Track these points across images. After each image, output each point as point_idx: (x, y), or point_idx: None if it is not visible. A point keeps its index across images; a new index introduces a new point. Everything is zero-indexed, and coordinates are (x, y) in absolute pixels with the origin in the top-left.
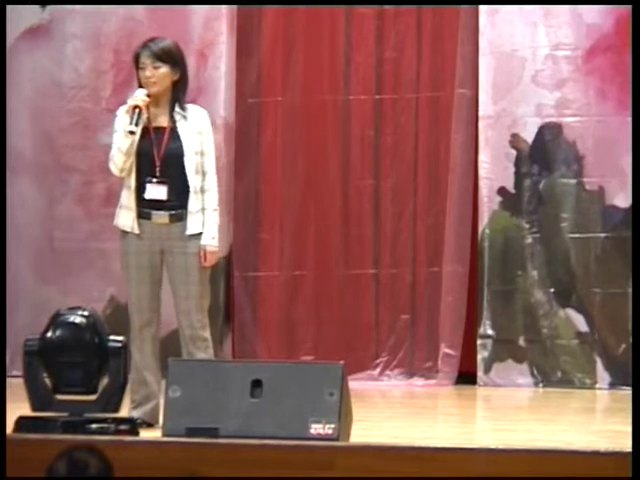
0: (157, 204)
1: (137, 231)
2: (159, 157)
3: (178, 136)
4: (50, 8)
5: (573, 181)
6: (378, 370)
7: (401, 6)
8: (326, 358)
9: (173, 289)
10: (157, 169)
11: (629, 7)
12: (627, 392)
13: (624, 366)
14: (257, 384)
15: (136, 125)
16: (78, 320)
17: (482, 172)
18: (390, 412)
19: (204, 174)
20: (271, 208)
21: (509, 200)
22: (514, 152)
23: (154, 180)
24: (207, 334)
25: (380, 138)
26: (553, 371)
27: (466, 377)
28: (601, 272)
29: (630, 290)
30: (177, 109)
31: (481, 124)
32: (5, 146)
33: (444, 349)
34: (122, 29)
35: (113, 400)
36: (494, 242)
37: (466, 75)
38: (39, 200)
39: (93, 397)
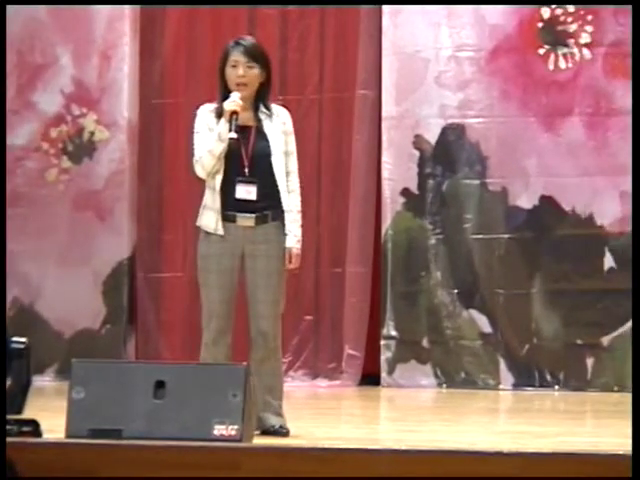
0: (243, 206)
1: (221, 233)
2: (247, 157)
3: (265, 135)
4: None
5: (476, 182)
6: None
7: (305, 6)
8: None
9: (251, 293)
10: (246, 169)
11: (532, 7)
12: (530, 393)
13: (527, 367)
14: (160, 385)
15: (235, 131)
16: None
17: (385, 173)
18: (294, 413)
19: (288, 174)
20: (174, 209)
21: (412, 201)
22: (417, 153)
23: (243, 180)
24: (279, 342)
25: None
26: (456, 372)
27: (370, 378)
28: (504, 273)
29: (533, 291)
30: (262, 108)
31: (384, 125)
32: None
33: (348, 350)
34: (25, 29)
35: (16, 402)
36: (397, 243)
37: (369, 76)
38: None
39: None
